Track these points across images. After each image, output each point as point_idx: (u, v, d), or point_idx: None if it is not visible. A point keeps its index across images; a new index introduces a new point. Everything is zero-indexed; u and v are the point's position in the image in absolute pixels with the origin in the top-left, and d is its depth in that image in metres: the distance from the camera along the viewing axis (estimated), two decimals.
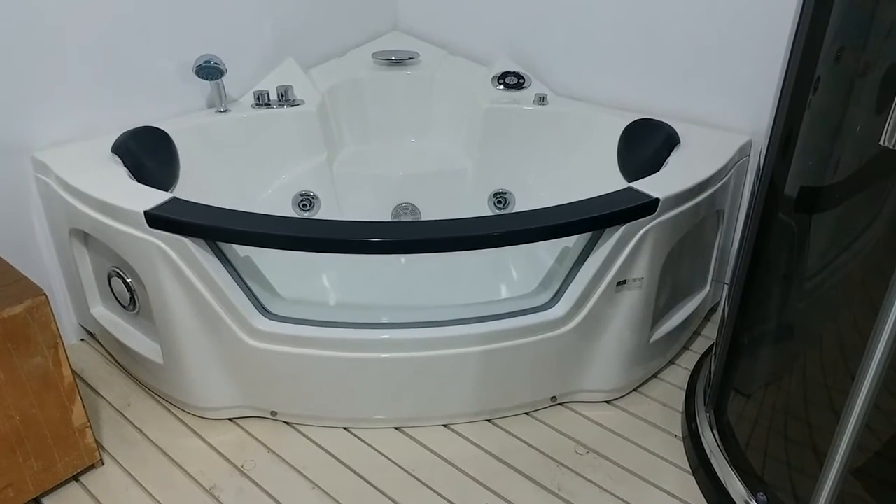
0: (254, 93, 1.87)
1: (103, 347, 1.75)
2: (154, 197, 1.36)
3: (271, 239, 1.25)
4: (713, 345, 1.76)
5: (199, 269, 1.33)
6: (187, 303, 1.38)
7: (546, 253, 1.87)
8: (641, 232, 1.39)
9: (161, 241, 1.32)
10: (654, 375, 1.69)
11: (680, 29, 1.74)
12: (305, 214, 1.94)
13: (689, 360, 1.74)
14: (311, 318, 1.41)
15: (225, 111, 1.81)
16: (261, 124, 1.85)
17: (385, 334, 1.38)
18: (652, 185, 1.42)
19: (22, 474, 1.29)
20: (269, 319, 1.40)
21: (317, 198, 1.94)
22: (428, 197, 1.97)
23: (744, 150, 1.67)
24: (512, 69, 1.99)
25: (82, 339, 1.79)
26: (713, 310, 1.91)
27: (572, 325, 1.44)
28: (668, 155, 1.60)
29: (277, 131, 1.87)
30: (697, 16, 1.70)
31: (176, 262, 1.33)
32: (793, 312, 1.21)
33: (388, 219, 1.98)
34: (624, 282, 1.44)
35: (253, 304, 1.39)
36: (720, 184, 1.55)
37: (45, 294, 1.22)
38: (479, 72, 2.08)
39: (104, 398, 1.60)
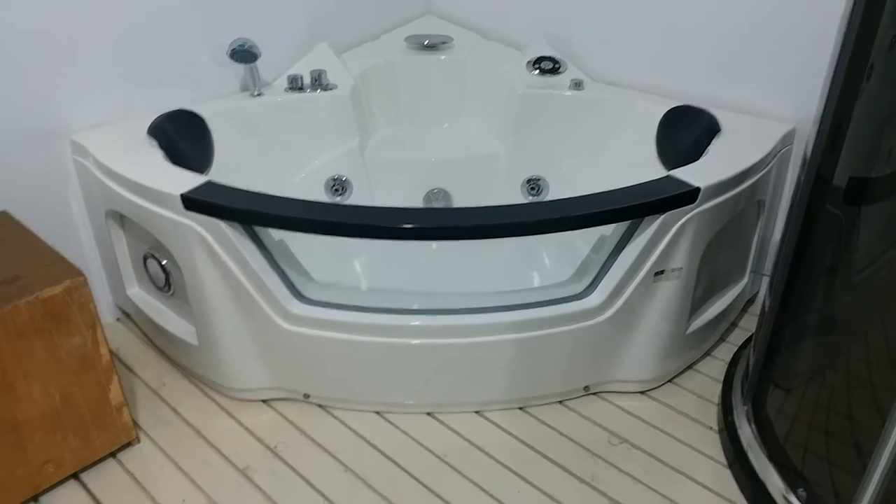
0: (287, 76, 1.86)
1: (139, 328, 1.77)
2: (190, 180, 1.36)
3: (307, 224, 1.25)
4: (751, 336, 1.73)
5: (235, 253, 1.33)
6: (222, 286, 1.38)
7: (581, 240, 1.85)
8: (681, 221, 1.36)
9: (197, 224, 1.32)
10: (690, 366, 1.66)
11: (721, 13, 1.69)
12: (338, 199, 1.93)
13: (726, 352, 1.71)
14: (344, 303, 1.40)
15: (259, 95, 1.81)
16: (294, 108, 1.84)
17: (417, 320, 1.37)
18: (692, 174, 1.39)
19: (61, 450, 1.31)
20: (304, 303, 1.40)
21: (349, 182, 1.93)
22: (460, 183, 1.96)
23: (787, 139, 1.63)
24: (547, 54, 1.96)
25: (118, 319, 1.81)
26: (751, 301, 1.88)
27: (608, 314, 1.42)
28: (709, 143, 1.56)
29: (310, 115, 1.86)
30: (738, 4, 1.65)
31: (211, 245, 1.33)
32: (837, 306, 1.18)
33: (420, 204, 1.96)
34: (662, 272, 1.42)
35: (287, 288, 1.39)
36: (762, 173, 1.51)
37: (83, 275, 1.24)
38: (514, 56, 2.05)
39: (140, 377, 1.61)
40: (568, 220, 1.27)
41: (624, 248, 1.40)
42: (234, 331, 1.44)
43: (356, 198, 1.94)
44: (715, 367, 1.67)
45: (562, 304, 1.41)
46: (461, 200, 1.97)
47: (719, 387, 1.61)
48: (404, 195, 1.95)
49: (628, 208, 1.30)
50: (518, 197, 1.97)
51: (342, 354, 1.41)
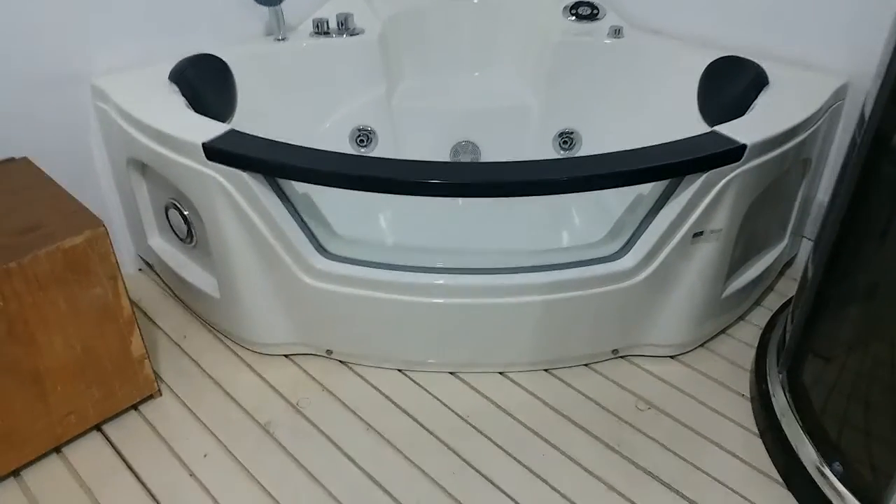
0: (313, 20, 1.79)
1: (161, 278, 1.76)
2: (212, 128, 1.31)
3: (333, 177, 1.20)
4: (788, 301, 1.67)
5: (257, 205, 1.29)
6: (245, 238, 1.35)
7: (614, 198, 1.78)
8: (724, 181, 1.29)
9: (219, 174, 1.28)
10: (723, 331, 1.61)
11: None
12: (362, 150, 1.88)
13: (760, 317, 1.65)
14: (368, 260, 1.37)
15: (283, 40, 1.75)
16: (320, 54, 1.78)
17: (441, 279, 1.33)
18: (738, 130, 1.31)
19: (84, 402, 1.30)
20: (327, 259, 1.36)
21: (374, 133, 1.87)
22: (489, 135, 1.89)
23: (839, 94, 1.53)
24: None
25: (140, 270, 1.80)
26: (788, 264, 1.81)
27: (641, 276, 1.37)
28: (756, 97, 1.47)
29: (336, 62, 1.79)
30: None
31: (234, 197, 1.29)
32: (888, 274, 1.11)
33: (447, 157, 1.90)
34: (701, 233, 1.35)
35: (311, 242, 1.36)
36: (812, 130, 1.43)
37: (104, 225, 1.21)
38: (550, 1, 1.95)
39: (161, 329, 1.60)
40: (603, 178, 1.20)
41: (661, 207, 1.33)
42: (257, 284, 1.41)
43: (381, 149, 1.88)
44: (749, 332, 1.61)
45: (594, 266, 1.35)
46: (490, 153, 1.90)
47: (752, 353, 1.56)
48: (431, 147, 1.89)
49: (669, 166, 1.23)
50: (549, 151, 1.90)
51: (365, 311, 1.38)
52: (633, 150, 1.26)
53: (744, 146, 1.27)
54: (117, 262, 1.25)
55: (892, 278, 1.10)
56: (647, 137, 1.76)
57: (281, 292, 1.41)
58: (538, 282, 1.33)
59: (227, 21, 1.71)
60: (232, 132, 1.30)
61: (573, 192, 1.20)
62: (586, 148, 1.87)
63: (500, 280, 1.33)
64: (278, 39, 1.74)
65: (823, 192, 1.70)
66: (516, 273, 1.34)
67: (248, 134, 1.30)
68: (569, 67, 1.82)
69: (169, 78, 1.50)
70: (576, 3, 1.82)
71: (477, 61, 2.01)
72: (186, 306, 1.67)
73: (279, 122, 1.75)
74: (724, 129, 1.32)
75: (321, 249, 1.37)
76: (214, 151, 1.26)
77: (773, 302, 1.70)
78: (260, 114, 1.70)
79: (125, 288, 1.28)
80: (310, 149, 1.26)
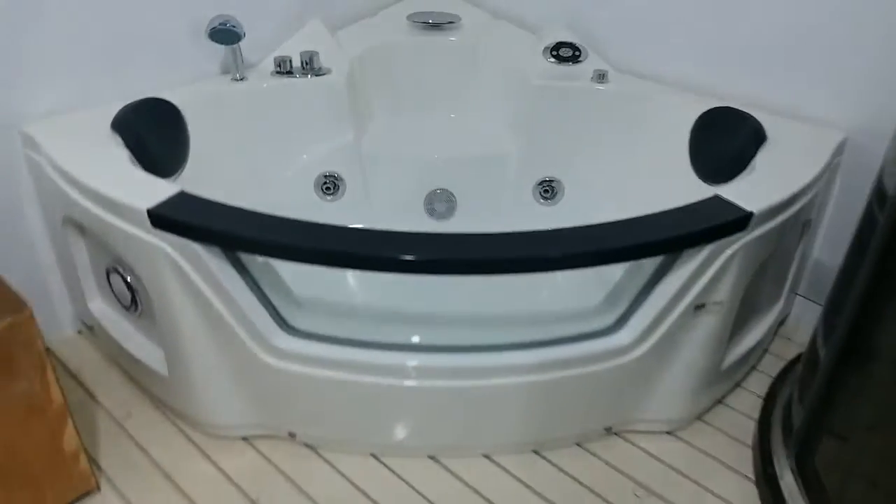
0: (275, 59, 1.64)
1: (103, 344, 1.57)
2: (159, 190, 1.15)
3: (300, 252, 1.05)
4: (786, 367, 1.57)
5: (210, 278, 1.14)
6: (196, 314, 1.19)
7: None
8: (729, 251, 1.18)
9: (166, 244, 1.12)
10: (720, 400, 1.50)
11: (771, 3, 1.49)
12: (329, 199, 1.73)
13: (756, 383, 1.55)
14: (336, 335, 1.22)
15: (242, 79, 1.59)
16: (282, 96, 1.62)
17: (417, 360, 1.18)
18: (743, 194, 1.21)
19: None
20: (290, 336, 1.21)
21: (342, 180, 1.72)
22: (466, 183, 1.76)
23: (839, 150, 1.44)
24: (567, 39, 1.74)
25: (79, 332, 1.61)
26: (781, 322, 1.71)
27: (638, 352, 1.25)
28: (754, 154, 1.37)
29: (300, 104, 1.64)
30: None
31: (183, 268, 1.13)
32: None
33: (421, 206, 1.77)
34: (703, 305, 1.24)
35: (271, 317, 1.20)
36: (816, 191, 1.33)
37: (29, 308, 1.04)
38: (528, 40, 1.84)
39: (102, 406, 1.42)
40: (598, 255, 1.08)
41: (660, 279, 1.22)
42: (210, 363, 1.25)
43: (349, 198, 1.73)
44: (745, 400, 1.51)
45: (587, 342, 1.23)
46: (466, 202, 1.77)
47: (752, 425, 1.45)
48: (404, 196, 1.75)
49: (671, 240, 1.11)
50: (529, 200, 1.77)
51: (333, 393, 1.23)
52: (630, 220, 1.14)
53: (750, 214, 1.16)
54: (45, 350, 1.08)
55: None
56: (633, 189, 1.66)
57: (238, 372, 1.25)
58: (526, 362, 1.20)
59: (178, 58, 1.55)
60: (181, 195, 1.15)
61: (565, 269, 1.08)
62: (568, 197, 1.76)
63: (483, 360, 1.20)
64: (236, 79, 1.59)
65: (818, 250, 1.61)
66: (502, 351, 1.21)
67: (198, 198, 1.14)
68: (550, 113, 1.70)
69: (111, 127, 1.33)
70: (557, 44, 1.71)
71: (452, 102, 1.88)
72: (132, 377, 1.49)
73: (236, 171, 1.59)
74: (727, 192, 1.21)
75: (283, 325, 1.22)
76: (161, 219, 1.10)
77: (768, 365, 1.60)
78: (215, 162, 1.54)
79: (55, 377, 1.11)
80: (270, 217, 1.10)
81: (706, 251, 1.16)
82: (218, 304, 1.16)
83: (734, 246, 1.18)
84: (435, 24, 1.82)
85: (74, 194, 1.22)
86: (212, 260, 1.12)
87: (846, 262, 1.18)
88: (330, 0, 1.80)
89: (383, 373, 1.19)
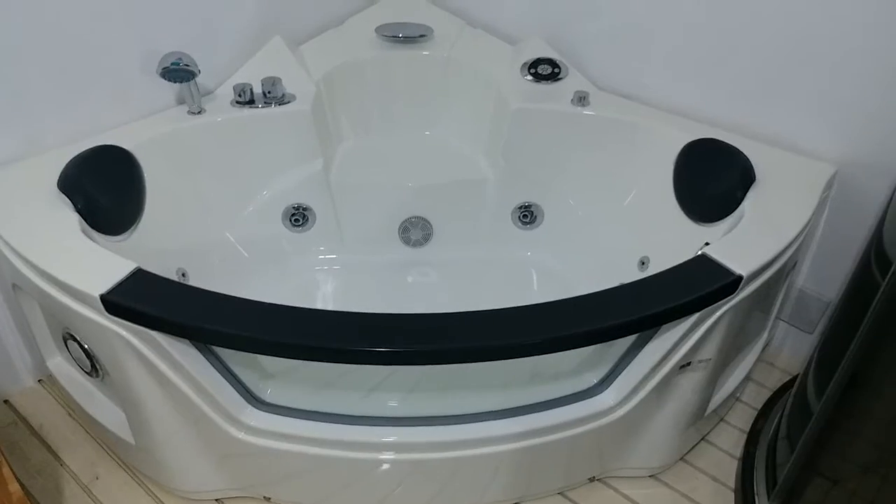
0: (234, 87, 1.53)
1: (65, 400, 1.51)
2: (113, 270, 1.06)
3: (267, 346, 0.99)
4: (768, 402, 1.55)
5: (173, 362, 1.07)
6: (160, 394, 1.12)
7: None
8: (717, 315, 1.14)
9: (122, 329, 1.05)
10: (702, 438, 1.48)
11: (765, 28, 1.40)
12: (297, 230, 1.65)
13: (738, 416, 1.53)
14: (307, 409, 1.16)
15: (199, 112, 1.48)
16: (243, 129, 1.52)
17: (394, 435, 1.14)
18: (731, 253, 1.15)
19: None
20: (260, 410, 1.15)
21: (311, 211, 1.64)
22: (442, 209, 1.68)
23: (829, 184, 1.39)
24: (545, 55, 1.65)
25: (40, 381, 1.54)
26: (763, 348, 1.69)
27: (623, 411, 1.21)
28: (742, 196, 1.32)
29: (264, 136, 1.54)
30: (790, 16, 1.36)
31: (142, 352, 1.06)
32: None
33: (396, 235, 1.69)
34: (688, 364, 1.20)
35: (240, 394, 1.14)
36: (806, 234, 1.28)
37: None
38: (505, 54, 1.74)
39: (67, 468, 1.37)
40: (580, 337, 1.02)
41: (646, 342, 1.17)
42: (178, 436, 1.19)
43: (320, 229, 1.65)
44: (729, 437, 1.49)
45: (571, 405, 1.19)
46: (443, 229, 1.70)
47: (734, 464, 1.43)
48: (378, 225, 1.67)
49: (654, 316, 1.06)
50: (508, 225, 1.71)
51: (307, 467, 1.18)
52: (612, 292, 1.08)
53: (739, 278, 1.12)
54: None
55: None
56: (614, 213, 1.61)
57: (207, 445, 1.20)
58: (508, 431, 1.16)
59: (130, 93, 1.44)
60: (137, 275, 1.06)
61: (548, 353, 1.03)
62: (548, 222, 1.69)
63: (463, 432, 1.15)
64: (193, 112, 1.48)
65: (803, 279, 1.58)
66: (482, 421, 1.16)
67: (156, 277, 1.06)
68: (529, 137, 1.62)
69: (58, 186, 1.24)
70: (535, 60, 1.62)
71: (426, 120, 1.79)
72: (96, 437, 1.43)
73: (199, 211, 1.50)
74: (715, 252, 1.16)
75: (252, 400, 1.16)
76: (115, 306, 1.02)
77: (750, 394, 1.58)
78: (175, 205, 1.45)
79: (11, 472, 1.05)
80: (235, 302, 1.03)
81: (693, 317, 1.12)
82: (181, 384, 1.10)
83: (723, 309, 1.14)
84: (406, 38, 1.71)
85: (21, 267, 1.14)
86: (172, 344, 1.05)
87: (842, 305, 1.14)
88: (290, 14, 1.67)
89: (359, 448, 1.15)
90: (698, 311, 1.10)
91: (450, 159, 1.72)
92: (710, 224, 1.39)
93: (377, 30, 1.73)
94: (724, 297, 1.12)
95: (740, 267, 1.13)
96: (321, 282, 1.65)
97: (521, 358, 1.01)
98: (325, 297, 1.62)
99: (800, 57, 1.38)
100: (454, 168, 1.69)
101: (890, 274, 0.98)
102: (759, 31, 1.41)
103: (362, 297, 1.63)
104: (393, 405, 1.23)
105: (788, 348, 1.67)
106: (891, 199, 1.05)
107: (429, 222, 1.69)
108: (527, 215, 1.70)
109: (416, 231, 1.69)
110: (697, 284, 1.10)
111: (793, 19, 1.36)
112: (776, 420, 1.43)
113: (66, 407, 1.48)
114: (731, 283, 1.11)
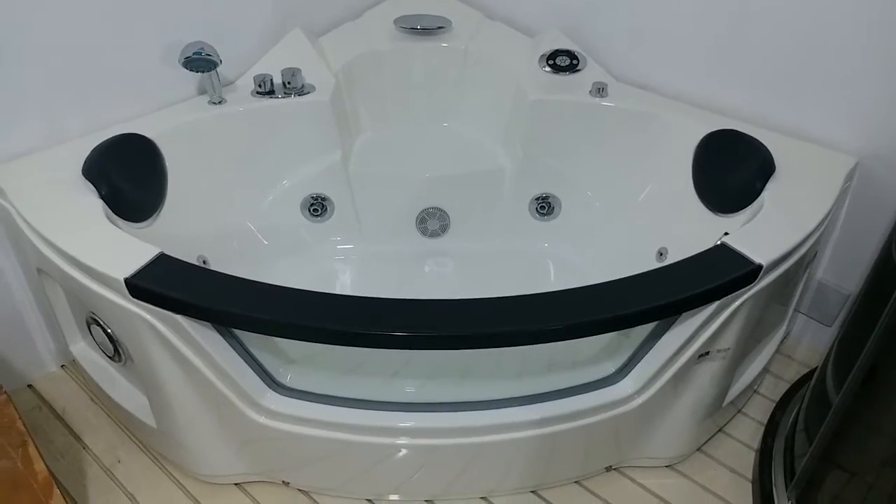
0: (254, 77, 1.54)
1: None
2: (137, 254, 1.08)
3: (290, 329, 1.00)
4: (787, 394, 1.55)
5: (194, 344, 1.08)
6: (182, 375, 1.14)
7: None
8: (736, 304, 1.13)
9: (146, 312, 1.06)
10: (720, 429, 1.48)
11: (785, 18, 1.40)
12: (316, 220, 1.66)
13: (756, 408, 1.53)
14: (328, 393, 1.18)
15: (220, 102, 1.50)
16: (263, 119, 1.54)
17: (412, 420, 1.14)
18: (750, 242, 1.15)
19: None
20: (280, 395, 1.17)
21: (330, 201, 1.65)
22: (459, 200, 1.69)
23: (849, 176, 1.38)
24: (564, 46, 1.65)
25: (63, 367, 1.56)
26: (781, 340, 1.68)
27: (640, 400, 1.21)
28: (762, 187, 1.31)
29: (283, 127, 1.56)
30: (811, 6, 1.36)
31: (165, 335, 1.08)
32: None
33: (413, 226, 1.70)
34: (707, 353, 1.20)
35: (261, 378, 1.16)
36: (826, 224, 1.28)
37: (4, 392, 0.99)
38: (524, 45, 1.74)
39: (90, 451, 1.39)
40: (599, 324, 1.02)
41: (665, 331, 1.17)
42: (199, 419, 1.21)
43: (338, 219, 1.67)
44: (746, 428, 1.48)
45: (589, 394, 1.19)
46: (460, 220, 1.71)
47: (752, 455, 1.43)
48: (395, 215, 1.68)
49: (676, 303, 1.06)
50: (525, 216, 1.71)
51: (326, 449, 1.20)
52: (632, 280, 1.08)
53: (759, 267, 1.11)
54: (25, 426, 1.03)
55: None
56: (632, 205, 1.60)
57: (228, 427, 1.21)
58: (526, 418, 1.16)
59: (152, 84, 1.46)
60: (161, 259, 1.08)
61: (567, 339, 1.03)
62: (565, 213, 1.69)
63: (482, 418, 1.16)
64: (214, 102, 1.50)
65: (822, 271, 1.57)
66: (501, 408, 1.17)
67: (179, 261, 1.08)
68: (547, 128, 1.63)
69: (82, 173, 1.26)
70: (553, 52, 1.62)
71: (444, 111, 1.80)
72: (118, 420, 1.45)
73: (219, 200, 1.52)
74: (735, 241, 1.16)
75: (273, 384, 1.17)
76: (139, 289, 1.04)
77: (768, 387, 1.58)
78: (196, 193, 1.47)
79: (38, 451, 1.07)
80: (257, 286, 1.04)
81: (713, 305, 1.11)
82: (203, 367, 1.11)
83: (742, 298, 1.13)
84: (424, 29, 1.72)
85: (46, 251, 1.16)
86: (194, 327, 1.07)
87: (862, 297, 1.13)
88: (309, 6, 1.69)
89: (378, 433, 1.15)
90: (718, 299, 1.10)
91: (467, 150, 1.73)
92: (729, 215, 1.39)
93: (396, 21, 1.74)
94: (743, 286, 1.12)
95: (760, 256, 1.13)
96: (339, 271, 1.67)
97: (541, 344, 1.01)
98: (343, 285, 1.64)
99: (820, 47, 1.37)
100: (472, 159, 1.70)
101: None
102: (779, 21, 1.40)
103: (380, 286, 1.64)
104: (411, 391, 1.24)
105: (807, 341, 1.67)
106: None
107: (446, 213, 1.69)
108: (544, 206, 1.70)
109: (433, 221, 1.70)
110: (717, 273, 1.10)
111: (813, 9, 1.35)
112: (794, 412, 1.43)
113: (88, 391, 1.51)
114: (751, 272, 1.11)
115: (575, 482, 1.36)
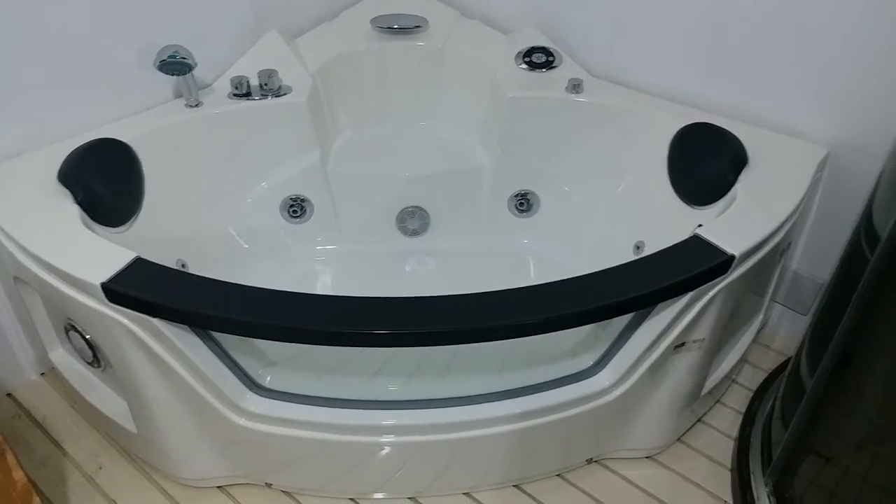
0: (231, 79, 1.54)
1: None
2: (113, 259, 1.08)
3: (265, 329, 1.00)
4: (764, 382, 1.57)
5: (173, 347, 1.09)
6: (161, 381, 1.14)
7: None
8: (710, 295, 1.15)
9: (123, 317, 1.06)
10: (699, 419, 1.50)
11: (757, 12, 1.42)
12: (296, 221, 1.66)
13: (735, 397, 1.55)
14: (308, 394, 1.18)
15: (197, 105, 1.50)
16: (241, 121, 1.54)
17: (394, 418, 1.15)
18: (723, 233, 1.17)
19: None
20: (261, 396, 1.17)
21: (309, 202, 1.65)
22: (439, 198, 1.69)
23: (821, 166, 1.41)
24: (539, 44, 1.66)
25: (43, 374, 1.56)
26: (759, 330, 1.70)
27: (618, 392, 1.23)
28: (735, 179, 1.33)
29: (261, 128, 1.56)
30: (786, 1, 1.38)
31: (143, 340, 1.08)
32: None
33: (393, 225, 1.71)
34: (683, 344, 1.22)
35: (240, 380, 1.16)
36: (798, 215, 1.30)
37: None
38: (500, 43, 1.75)
39: (71, 458, 1.38)
40: (575, 316, 1.03)
41: (640, 322, 1.19)
42: (180, 423, 1.21)
43: (318, 220, 1.67)
44: (725, 418, 1.50)
45: (567, 387, 1.20)
46: (440, 218, 1.71)
47: (731, 444, 1.45)
48: (375, 215, 1.69)
49: (650, 294, 1.07)
50: (505, 213, 1.72)
51: (308, 450, 1.20)
52: (605, 273, 1.09)
53: (732, 257, 1.13)
54: (3, 435, 1.03)
55: None
56: (610, 200, 1.62)
57: (209, 431, 1.21)
58: (506, 413, 1.17)
59: (127, 88, 1.45)
60: (137, 263, 1.08)
61: (544, 332, 1.04)
62: (544, 209, 1.71)
63: (462, 413, 1.17)
64: (190, 105, 1.49)
65: (797, 262, 1.59)
66: (481, 403, 1.18)
67: (155, 265, 1.08)
68: (524, 125, 1.64)
69: (58, 179, 1.25)
70: (529, 49, 1.63)
71: (422, 111, 1.81)
72: (99, 427, 1.44)
73: (197, 203, 1.52)
74: (708, 232, 1.17)
75: (253, 386, 1.18)
76: (116, 294, 1.04)
77: (746, 376, 1.60)
78: (174, 197, 1.46)
79: (16, 459, 1.06)
80: (234, 288, 1.05)
81: (687, 296, 1.13)
82: (182, 370, 1.11)
83: (716, 288, 1.15)
84: (401, 29, 1.73)
85: (22, 258, 1.15)
86: (172, 330, 1.07)
87: (834, 284, 1.15)
88: (285, 8, 1.69)
89: (360, 432, 1.16)
90: (691, 290, 1.12)
91: (446, 149, 1.74)
92: (704, 207, 1.41)
93: (373, 21, 1.74)
94: (716, 277, 1.13)
95: (732, 247, 1.14)
96: (320, 272, 1.67)
97: (518, 338, 1.02)
98: (324, 286, 1.64)
99: (792, 41, 1.39)
100: (450, 157, 1.71)
101: (878, 248, 1.00)
102: (751, 15, 1.42)
103: (361, 286, 1.65)
104: (393, 389, 1.25)
105: (784, 330, 1.69)
106: (880, 175, 1.07)
107: (426, 212, 1.70)
108: (523, 203, 1.71)
109: (413, 220, 1.71)
110: (690, 264, 1.11)
111: (785, 3, 1.37)
112: (771, 401, 1.45)
113: (68, 399, 1.50)
114: (724, 262, 1.13)
115: (557, 475, 1.37)
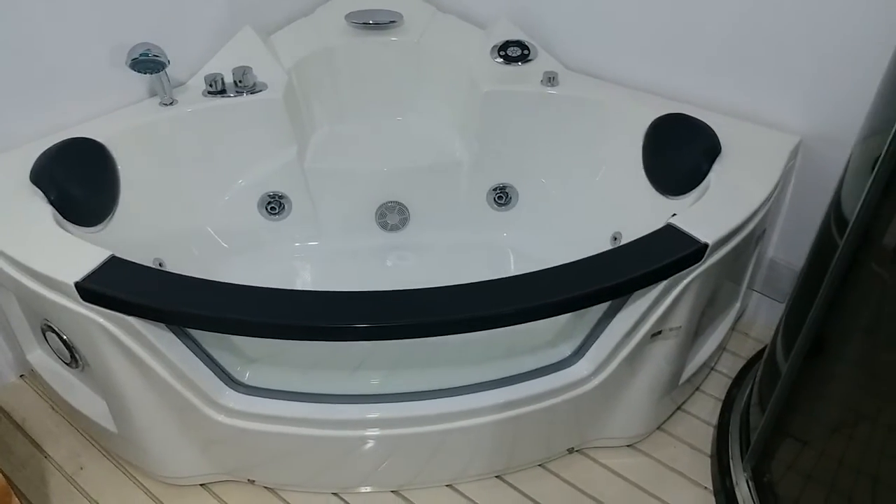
0: (205, 77, 1.54)
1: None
2: (87, 258, 1.08)
3: (243, 326, 1.00)
4: (743, 369, 1.59)
5: (150, 346, 1.08)
6: (140, 380, 1.14)
7: None
8: (684, 283, 1.16)
9: (99, 316, 1.06)
10: (679, 407, 1.51)
11: (728, 3, 1.43)
12: (275, 218, 1.66)
13: (714, 385, 1.56)
14: (288, 390, 1.18)
15: (171, 103, 1.49)
16: (216, 119, 1.53)
17: (375, 412, 1.16)
18: (696, 222, 1.18)
19: None
20: (241, 393, 1.17)
21: (287, 199, 1.65)
22: (418, 193, 1.70)
23: (793, 154, 1.42)
24: (515, 37, 1.67)
25: (22, 376, 1.55)
26: (737, 318, 1.72)
27: (597, 381, 1.24)
28: (709, 168, 1.34)
29: (237, 126, 1.55)
30: None
31: (119, 338, 1.08)
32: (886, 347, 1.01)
33: (373, 220, 1.71)
34: (659, 332, 1.23)
35: (219, 377, 1.16)
36: (771, 203, 1.31)
37: None
38: (475, 37, 1.75)
39: (52, 460, 1.37)
40: (550, 306, 1.04)
41: (616, 311, 1.20)
42: (160, 422, 1.20)
43: (296, 216, 1.66)
44: (704, 405, 1.52)
45: (546, 377, 1.21)
46: (420, 213, 1.72)
47: (710, 431, 1.47)
48: (354, 211, 1.69)
49: (625, 283, 1.08)
50: (484, 207, 1.73)
51: (289, 447, 1.20)
52: (579, 264, 1.10)
53: (705, 246, 1.14)
54: None
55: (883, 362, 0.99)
56: (587, 191, 1.63)
57: (189, 428, 1.21)
58: (486, 404, 1.18)
59: (100, 87, 1.44)
60: (111, 262, 1.08)
61: (520, 323, 1.05)
62: (522, 202, 1.71)
63: (443, 405, 1.17)
64: (165, 104, 1.49)
65: (773, 249, 1.61)
66: (461, 395, 1.19)
67: (130, 263, 1.08)
68: (501, 118, 1.64)
69: (30, 179, 1.24)
70: (504, 43, 1.63)
71: (398, 106, 1.81)
72: (79, 427, 1.44)
73: (174, 202, 1.51)
74: (682, 221, 1.18)
75: (232, 383, 1.17)
76: (90, 293, 1.04)
77: (725, 363, 1.62)
78: (149, 197, 1.46)
79: None
80: (208, 285, 1.05)
81: (661, 284, 1.14)
82: (159, 368, 1.11)
83: (689, 277, 1.16)
84: (376, 24, 1.73)
85: None
86: (148, 328, 1.07)
87: (806, 271, 1.17)
88: (260, 4, 1.68)
89: (341, 426, 1.16)
90: (666, 278, 1.13)
91: (424, 143, 1.74)
92: (679, 197, 1.42)
93: (347, 17, 1.74)
94: (690, 265, 1.14)
95: (706, 235, 1.15)
96: (300, 269, 1.67)
97: (496, 328, 1.03)
98: (305, 283, 1.64)
99: (762, 31, 1.41)
100: (428, 152, 1.71)
101: (847, 234, 1.01)
102: (722, 6, 1.43)
103: (341, 282, 1.65)
104: (374, 383, 1.25)
105: (762, 318, 1.71)
106: (848, 161, 1.08)
107: (405, 206, 1.70)
108: (501, 196, 1.72)
109: (392, 215, 1.71)
110: (664, 253, 1.13)
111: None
112: (749, 387, 1.47)
113: (48, 400, 1.49)
114: (697, 251, 1.14)
115: (539, 465, 1.38)
